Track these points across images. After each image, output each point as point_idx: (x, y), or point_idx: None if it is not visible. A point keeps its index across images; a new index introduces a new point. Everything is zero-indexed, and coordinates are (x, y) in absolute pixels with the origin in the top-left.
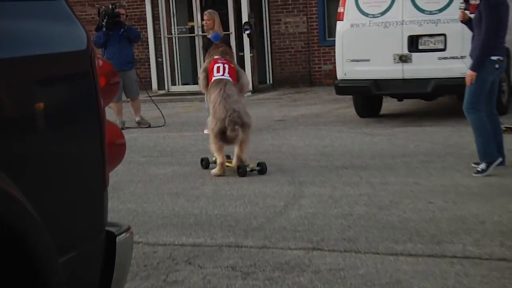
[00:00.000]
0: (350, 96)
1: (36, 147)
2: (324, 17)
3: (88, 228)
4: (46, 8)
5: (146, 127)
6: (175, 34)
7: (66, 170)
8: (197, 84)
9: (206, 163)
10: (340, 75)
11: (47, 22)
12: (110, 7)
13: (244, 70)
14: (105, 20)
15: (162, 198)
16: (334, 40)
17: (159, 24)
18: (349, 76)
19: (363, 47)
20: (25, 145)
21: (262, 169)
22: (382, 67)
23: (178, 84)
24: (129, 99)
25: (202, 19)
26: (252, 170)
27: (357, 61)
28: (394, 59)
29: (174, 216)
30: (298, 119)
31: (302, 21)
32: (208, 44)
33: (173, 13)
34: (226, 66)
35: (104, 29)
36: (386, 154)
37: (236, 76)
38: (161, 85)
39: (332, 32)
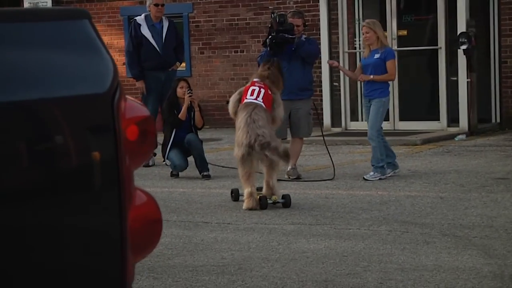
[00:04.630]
0: None
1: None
2: None
3: None
4: (62, 31)
5: (294, 179)
6: (359, 48)
7: (59, 259)
8: (388, 121)
9: (236, 195)
10: None
11: (57, 50)
12: (277, 19)
13: (457, 104)
14: (269, 36)
15: (303, 287)
16: None
17: (338, 33)
18: None
19: None
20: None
21: (286, 201)
22: None
23: (361, 120)
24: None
25: (397, 28)
26: (274, 203)
27: None
28: None
29: None
30: None
31: None
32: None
33: (358, 19)
34: (262, 90)
35: (268, 48)
36: None
37: (271, 104)
38: (336, 120)
39: None
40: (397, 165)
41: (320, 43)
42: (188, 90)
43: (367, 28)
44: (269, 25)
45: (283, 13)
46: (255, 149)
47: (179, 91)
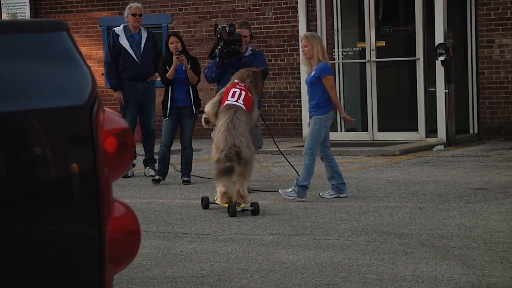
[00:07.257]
0: None
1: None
2: None
3: None
4: (40, 43)
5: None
6: (338, 59)
7: (37, 270)
8: (367, 131)
9: (206, 203)
10: None
11: (35, 62)
12: (227, 29)
13: (435, 114)
14: (219, 47)
15: None
16: None
17: None
18: None
19: None
20: None
21: (254, 209)
22: None
23: (340, 131)
24: None
25: (376, 39)
26: (243, 210)
27: None
28: None
29: None
30: (508, 188)
31: None
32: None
33: (337, 30)
34: (243, 93)
35: (217, 59)
36: None
37: (250, 106)
38: None
39: None
40: (342, 190)
41: (299, 53)
42: (176, 52)
43: (306, 41)
44: (218, 35)
45: (232, 23)
46: (221, 160)
47: (170, 47)
